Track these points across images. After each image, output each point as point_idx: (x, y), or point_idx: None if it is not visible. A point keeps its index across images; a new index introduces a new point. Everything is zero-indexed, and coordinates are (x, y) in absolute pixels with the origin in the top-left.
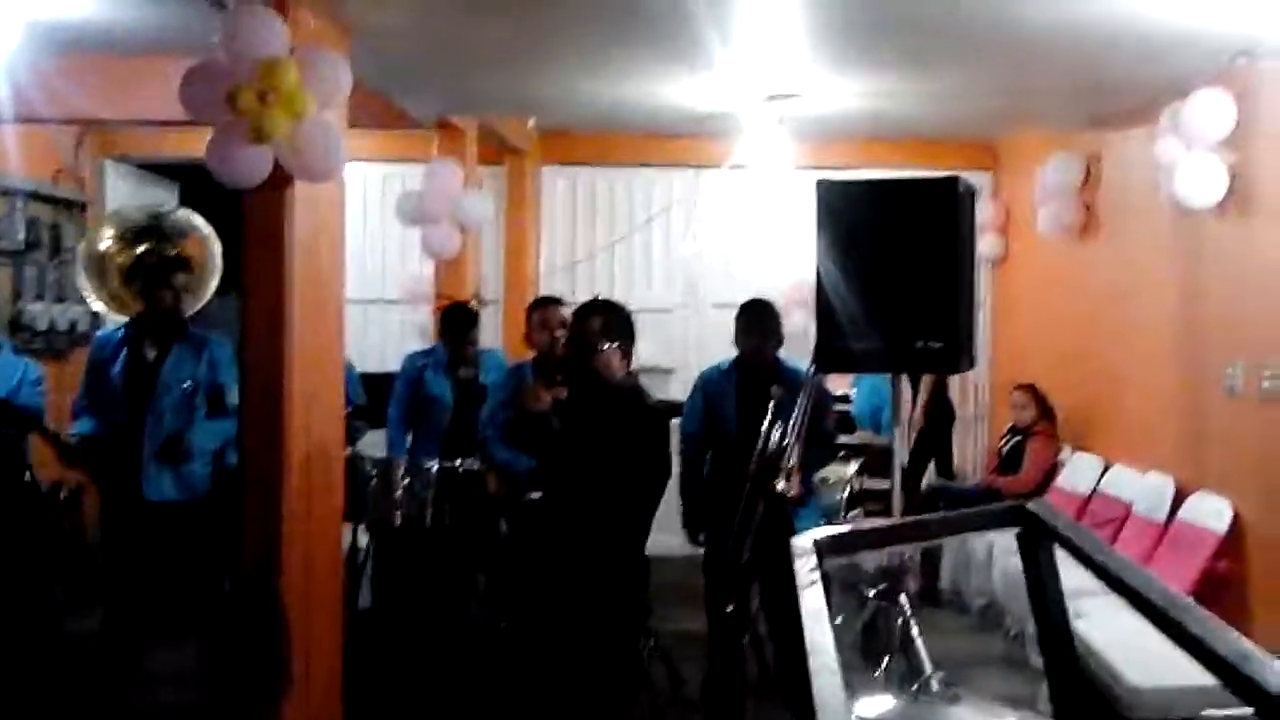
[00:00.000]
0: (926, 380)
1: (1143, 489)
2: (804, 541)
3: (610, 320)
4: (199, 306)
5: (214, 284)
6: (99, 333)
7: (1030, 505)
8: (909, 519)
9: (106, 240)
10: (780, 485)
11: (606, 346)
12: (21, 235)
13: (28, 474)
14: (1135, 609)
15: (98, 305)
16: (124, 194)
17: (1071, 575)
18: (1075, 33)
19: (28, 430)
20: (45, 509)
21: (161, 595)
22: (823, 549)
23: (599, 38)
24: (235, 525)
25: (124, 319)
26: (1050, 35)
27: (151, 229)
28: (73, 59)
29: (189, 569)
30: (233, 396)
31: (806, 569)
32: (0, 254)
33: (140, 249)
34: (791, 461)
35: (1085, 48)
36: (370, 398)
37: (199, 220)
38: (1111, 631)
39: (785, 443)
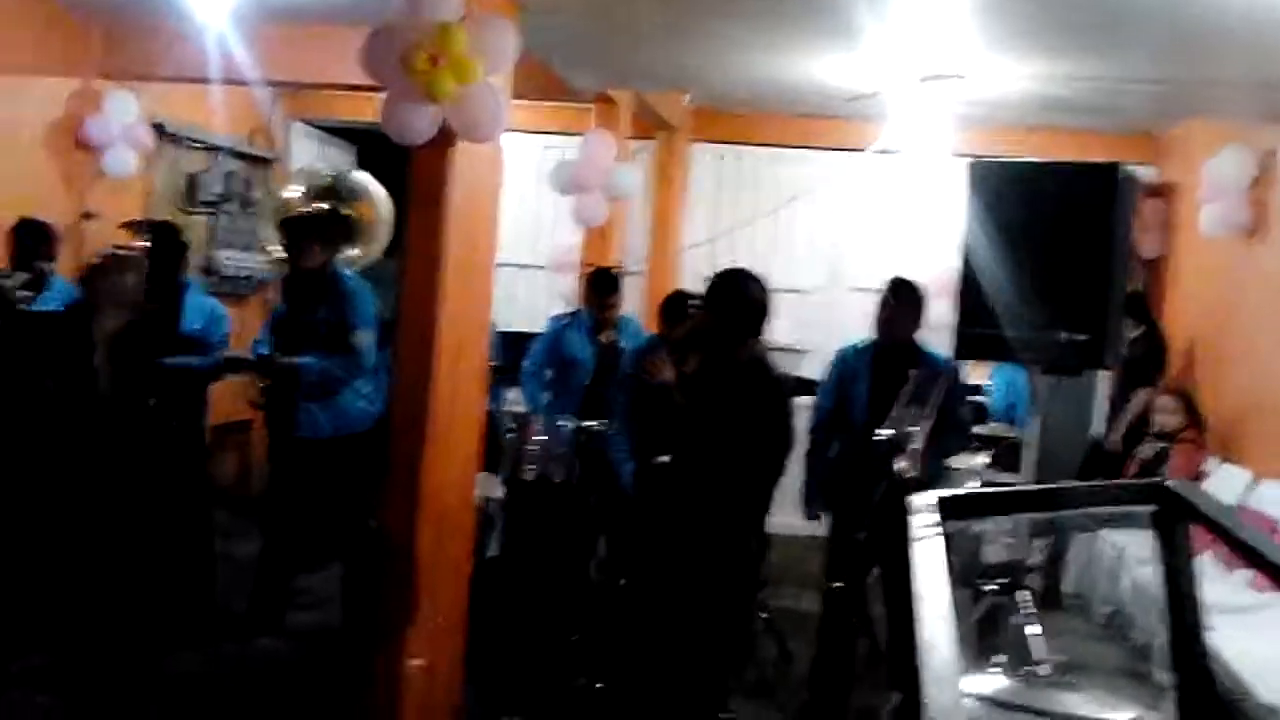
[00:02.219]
0: (1143, 394)
1: None
2: (926, 498)
3: (752, 291)
4: (365, 264)
5: (381, 243)
6: (274, 311)
7: (1170, 483)
8: (1037, 486)
9: (293, 194)
10: (900, 464)
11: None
12: (219, 188)
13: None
14: None
15: (278, 255)
16: (307, 153)
17: (1207, 589)
18: (1261, 19)
19: (216, 366)
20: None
21: (314, 525)
22: (945, 508)
23: (755, 12)
24: (383, 466)
25: None
26: (1232, 21)
27: (331, 189)
28: (275, 27)
29: (339, 501)
30: (359, 338)
31: (925, 523)
32: (201, 203)
33: (320, 206)
34: (917, 444)
35: (1270, 36)
36: (512, 357)
37: (374, 183)
38: (1246, 646)
39: (914, 424)
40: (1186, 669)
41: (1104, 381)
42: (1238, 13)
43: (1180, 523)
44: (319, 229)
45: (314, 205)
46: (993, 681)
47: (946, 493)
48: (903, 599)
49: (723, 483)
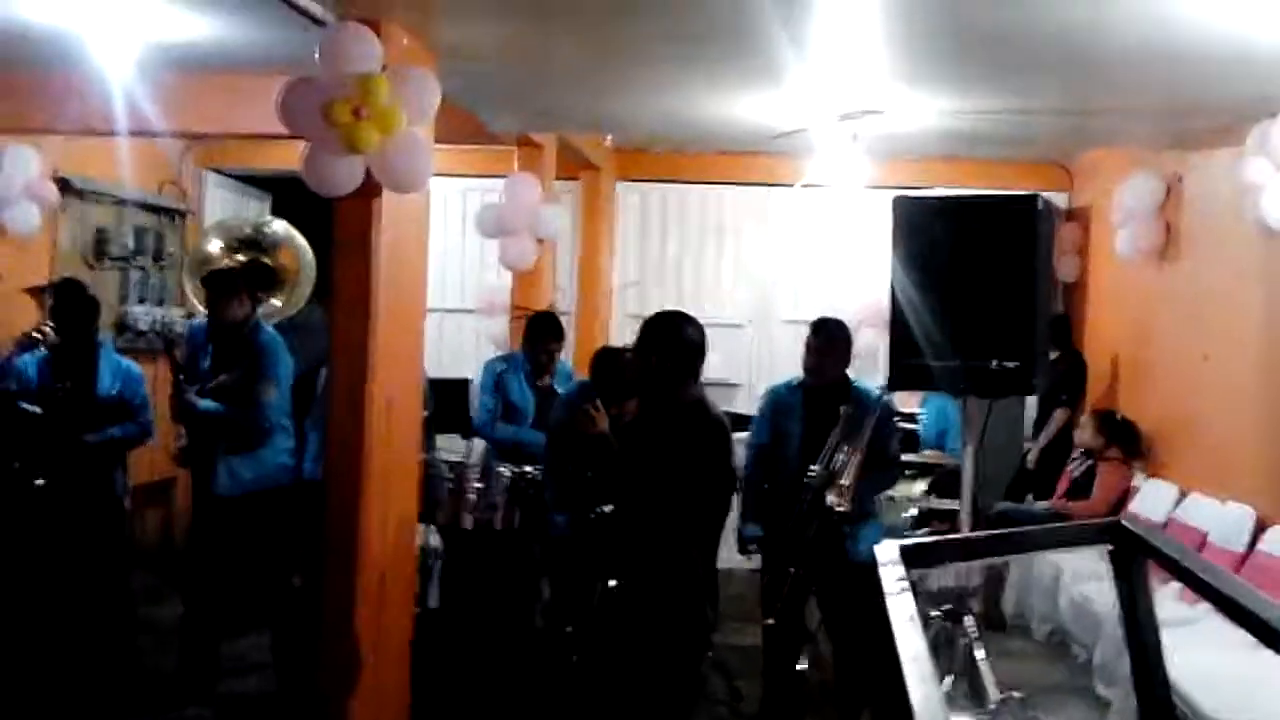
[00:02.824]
0: (1059, 415)
1: (1220, 518)
2: (889, 550)
3: (686, 332)
4: (290, 313)
5: (305, 291)
6: (191, 323)
7: (1124, 521)
8: (997, 532)
9: (213, 247)
10: (830, 498)
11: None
12: (130, 242)
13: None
14: (1241, 625)
15: (200, 308)
16: (222, 204)
17: None
18: (1161, 51)
19: (140, 434)
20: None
21: (237, 584)
22: (909, 558)
23: (676, 56)
24: (311, 521)
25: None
26: (1135, 53)
27: (252, 240)
28: (182, 76)
29: (260, 559)
30: (260, 389)
31: (894, 578)
32: (110, 259)
33: (241, 257)
34: (846, 478)
35: (1171, 66)
36: (441, 403)
37: (295, 232)
38: (1189, 662)
39: (846, 459)
40: (1149, 703)
41: (1033, 404)
42: (1138, 45)
43: (1137, 560)
44: (240, 283)
45: (235, 257)
46: None
47: (909, 543)
48: (846, 634)
49: (668, 528)
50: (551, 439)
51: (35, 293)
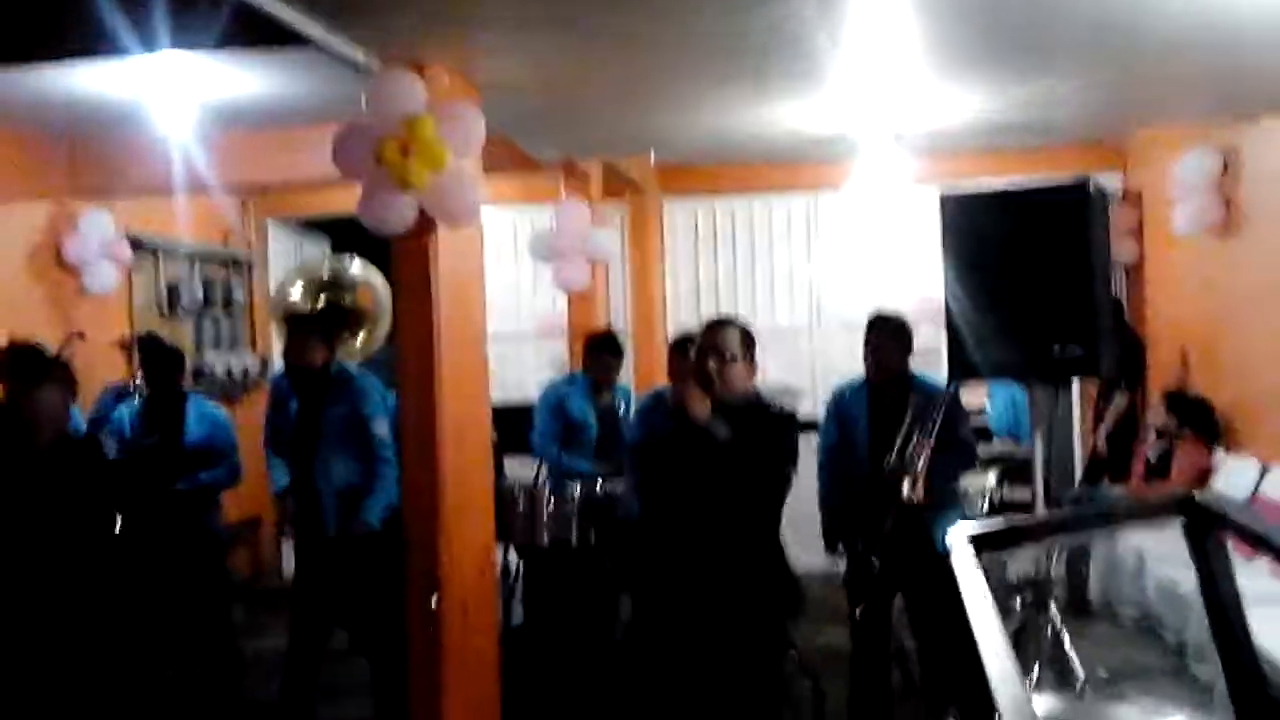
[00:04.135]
0: (1120, 400)
1: None
2: (959, 535)
3: (743, 334)
4: (371, 352)
5: (384, 330)
6: (275, 375)
7: (1196, 494)
8: (1066, 510)
9: (295, 292)
10: (905, 489)
11: (739, 357)
12: (199, 293)
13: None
14: None
15: (275, 354)
16: (283, 249)
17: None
18: (1209, 21)
19: (228, 468)
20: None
21: (338, 617)
22: (979, 543)
23: (712, 71)
24: (399, 553)
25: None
26: (1182, 26)
27: (331, 282)
28: (239, 133)
29: (363, 595)
30: (376, 426)
31: (966, 559)
32: (182, 310)
33: (321, 299)
34: (919, 467)
35: (1221, 36)
36: (504, 427)
37: (373, 271)
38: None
39: (917, 451)
40: (1238, 678)
41: (1075, 388)
42: (1185, 16)
43: (1211, 533)
44: (316, 328)
45: (317, 299)
46: (1043, 703)
47: (978, 528)
48: (931, 627)
49: (748, 526)
50: (632, 452)
51: (123, 346)
